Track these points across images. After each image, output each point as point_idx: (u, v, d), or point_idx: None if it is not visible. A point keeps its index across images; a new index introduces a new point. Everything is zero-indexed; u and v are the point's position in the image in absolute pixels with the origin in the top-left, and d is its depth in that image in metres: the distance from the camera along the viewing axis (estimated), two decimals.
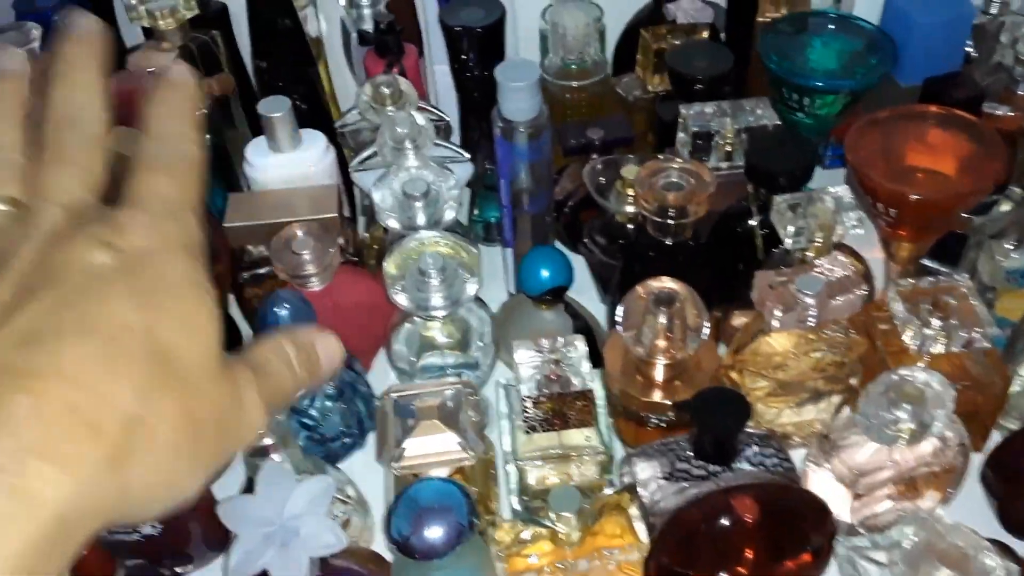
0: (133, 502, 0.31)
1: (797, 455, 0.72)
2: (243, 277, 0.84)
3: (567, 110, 0.92)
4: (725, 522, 0.60)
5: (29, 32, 0.81)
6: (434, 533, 0.58)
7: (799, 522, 0.62)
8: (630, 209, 0.80)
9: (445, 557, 0.59)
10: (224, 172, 0.92)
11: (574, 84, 0.91)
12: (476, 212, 0.97)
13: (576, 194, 0.90)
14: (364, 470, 0.75)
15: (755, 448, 0.67)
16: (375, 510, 0.73)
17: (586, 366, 0.68)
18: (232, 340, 0.82)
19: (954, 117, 0.74)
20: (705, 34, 0.92)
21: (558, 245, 0.91)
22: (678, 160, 0.72)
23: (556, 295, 0.76)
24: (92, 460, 0.29)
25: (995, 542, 0.63)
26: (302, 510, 0.57)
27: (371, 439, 0.78)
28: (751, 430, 0.68)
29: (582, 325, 0.79)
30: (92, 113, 0.37)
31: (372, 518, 0.72)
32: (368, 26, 0.87)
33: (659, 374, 0.70)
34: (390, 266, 0.70)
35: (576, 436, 0.69)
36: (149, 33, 0.89)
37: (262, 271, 0.83)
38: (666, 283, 0.68)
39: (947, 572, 0.55)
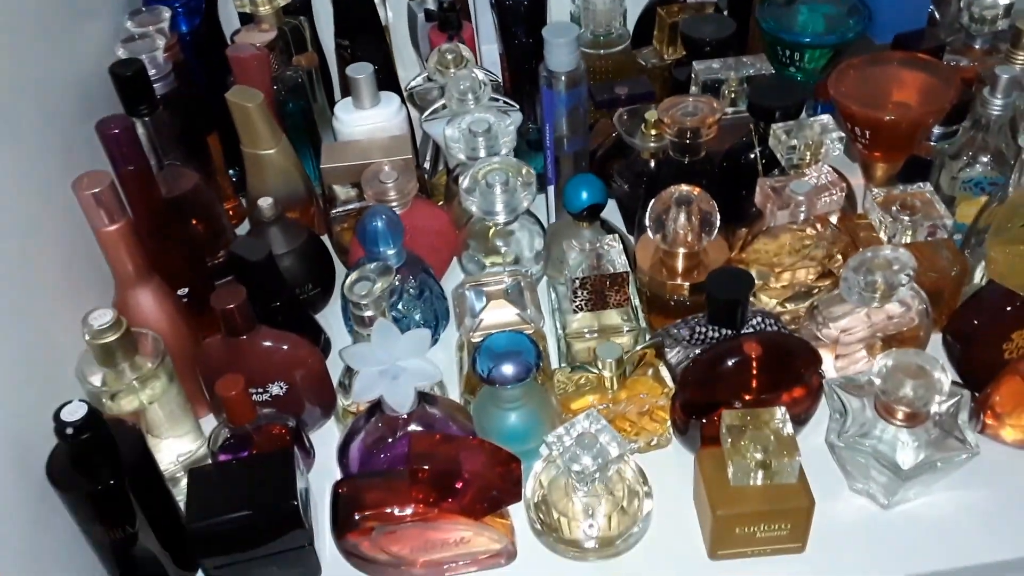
0: None
1: None
2: (333, 215, 1.01)
3: (596, 74, 1.09)
4: (736, 360, 0.77)
5: (160, 14, 0.97)
6: (509, 368, 0.75)
7: (794, 361, 0.78)
8: (652, 146, 0.98)
9: (517, 389, 0.75)
10: (310, 134, 1.10)
11: (602, 52, 1.08)
12: None
13: (604, 145, 1.08)
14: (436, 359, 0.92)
15: (759, 318, 0.83)
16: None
17: (622, 258, 0.84)
18: (326, 271, 0.99)
19: (915, 59, 0.91)
20: (711, 10, 1.09)
21: None
22: (692, 96, 0.89)
23: (594, 212, 0.93)
24: None
25: (955, 383, 0.79)
26: (407, 353, 0.74)
27: (443, 337, 0.94)
28: (755, 308, 0.84)
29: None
30: None
31: (445, 388, 0.88)
32: (432, 6, 1.05)
33: (680, 263, 0.86)
34: (464, 181, 0.87)
35: (614, 316, 0.86)
36: (245, 20, 1.08)
37: (349, 208, 1.00)
38: (685, 188, 0.84)
39: (911, 383, 0.71)
